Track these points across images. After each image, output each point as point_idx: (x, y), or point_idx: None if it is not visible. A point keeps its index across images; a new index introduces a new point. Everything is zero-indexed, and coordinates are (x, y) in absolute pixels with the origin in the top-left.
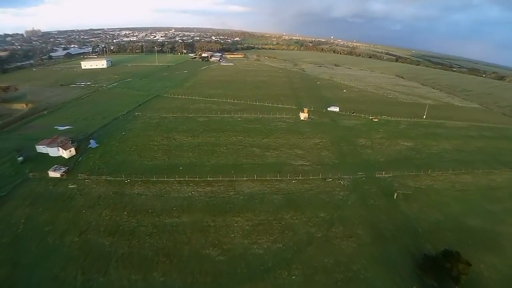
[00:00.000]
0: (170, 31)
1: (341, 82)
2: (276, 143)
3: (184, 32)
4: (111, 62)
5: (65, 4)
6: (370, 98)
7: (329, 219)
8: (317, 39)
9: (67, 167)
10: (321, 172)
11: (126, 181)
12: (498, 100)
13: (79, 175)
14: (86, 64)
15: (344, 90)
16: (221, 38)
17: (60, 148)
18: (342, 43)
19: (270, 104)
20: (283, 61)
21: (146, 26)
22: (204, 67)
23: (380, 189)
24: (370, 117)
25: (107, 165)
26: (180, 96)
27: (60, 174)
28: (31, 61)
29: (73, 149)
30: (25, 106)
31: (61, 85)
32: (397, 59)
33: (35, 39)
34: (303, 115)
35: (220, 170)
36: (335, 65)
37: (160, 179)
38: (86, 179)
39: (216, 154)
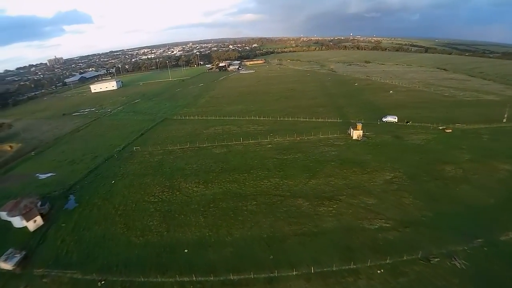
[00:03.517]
0: (188, 45)
1: (382, 81)
2: (330, 187)
3: (201, 45)
4: (122, 82)
5: (86, 33)
6: (425, 98)
7: None
8: (336, 38)
9: (23, 253)
10: (415, 240)
11: (99, 284)
12: None
13: (35, 270)
14: (95, 88)
15: (391, 91)
16: (238, 46)
17: (23, 218)
18: (362, 39)
19: (307, 119)
20: (308, 63)
21: (164, 43)
22: (221, 78)
23: None
24: (440, 127)
25: (78, 247)
26: (192, 117)
27: (12, 267)
28: (43, 90)
29: (38, 218)
30: (9, 148)
31: (63, 114)
32: (427, 50)
33: (57, 66)
34: (356, 133)
35: (250, 255)
36: (366, 62)
37: (151, 279)
38: (44, 277)
39: (241, 216)
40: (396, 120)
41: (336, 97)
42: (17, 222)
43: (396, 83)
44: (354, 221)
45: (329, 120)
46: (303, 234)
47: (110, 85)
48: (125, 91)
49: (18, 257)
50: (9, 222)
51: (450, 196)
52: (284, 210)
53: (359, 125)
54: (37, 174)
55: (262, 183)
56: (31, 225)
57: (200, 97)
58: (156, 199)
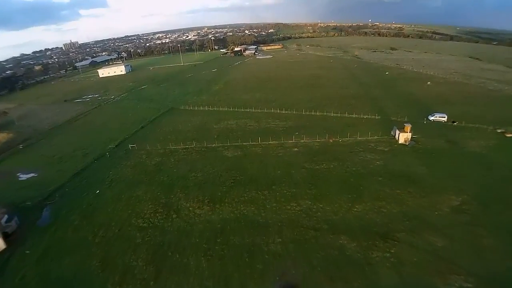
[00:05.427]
0: (203, 30)
1: (415, 70)
2: (381, 216)
3: (217, 30)
4: (131, 67)
5: (103, 17)
6: (468, 92)
7: None
8: (355, 24)
9: None
10: None
11: None
12: None
13: None
14: (103, 72)
15: (429, 83)
16: (254, 31)
17: None
18: (381, 25)
19: (339, 114)
20: (329, 48)
21: (179, 27)
22: (237, 63)
23: None
24: (498, 130)
25: None
26: (202, 108)
27: None
28: (52, 74)
29: None
30: None
31: (65, 101)
32: (452, 38)
33: (72, 50)
34: (403, 136)
35: None
36: (392, 49)
37: None
38: None
39: (260, 263)
40: (445, 119)
41: (369, 87)
42: None
43: (432, 73)
44: (421, 277)
45: (365, 116)
46: None
47: (118, 70)
48: (134, 75)
49: None
50: None
51: None
52: (321, 255)
53: (408, 127)
54: (19, 174)
55: (289, 206)
56: None
57: (213, 84)
58: (146, 224)
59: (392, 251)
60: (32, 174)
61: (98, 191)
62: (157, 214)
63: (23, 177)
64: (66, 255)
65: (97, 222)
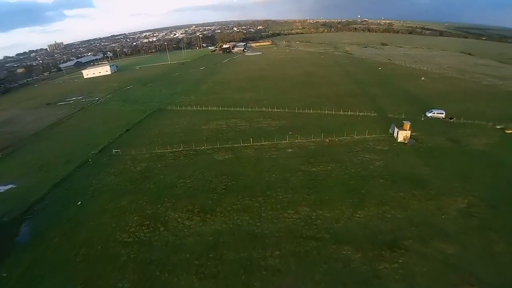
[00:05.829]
0: (191, 28)
1: (407, 65)
2: (386, 223)
3: (205, 27)
4: (117, 66)
5: (89, 17)
6: (464, 88)
7: None
8: (344, 20)
9: None
10: None
11: None
12: None
13: None
14: (88, 73)
15: (423, 78)
16: (243, 29)
17: None
18: (371, 21)
19: (333, 112)
20: (319, 44)
21: (166, 26)
22: (226, 60)
23: None
24: (498, 127)
25: None
26: (190, 108)
27: None
28: (35, 77)
29: None
30: None
31: (48, 104)
32: (441, 33)
33: (57, 52)
34: (402, 135)
35: None
36: (383, 44)
37: None
38: None
39: (259, 280)
40: (443, 115)
41: (362, 83)
42: None
43: (425, 68)
44: None
45: (361, 114)
46: None
47: (103, 70)
48: (119, 76)
49: None
50: None
51: None
52: (324, 269)
53: (407, 124)
54: None
55: (286, 214)
56: None
57: (202, 82)
58: (131, 239)
59: (400, 261)
60: (10, 186)
61: (80, 202)
62: (143, 227)
63: (1, 189)
64: (46, 278)
65: (79, 238)
